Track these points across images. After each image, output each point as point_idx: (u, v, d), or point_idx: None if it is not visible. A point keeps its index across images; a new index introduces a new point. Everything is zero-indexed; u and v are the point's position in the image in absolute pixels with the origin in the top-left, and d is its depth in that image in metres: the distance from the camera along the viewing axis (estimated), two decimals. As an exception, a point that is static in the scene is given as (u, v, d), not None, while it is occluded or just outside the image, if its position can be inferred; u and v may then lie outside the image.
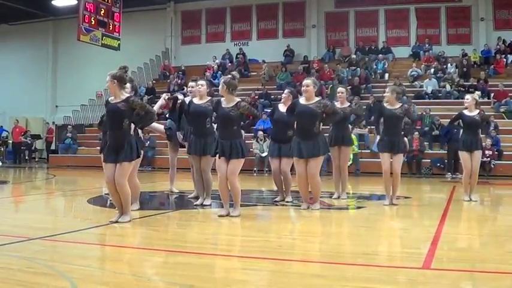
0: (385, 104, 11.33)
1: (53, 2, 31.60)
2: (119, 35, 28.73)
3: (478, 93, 14.03)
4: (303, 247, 7.53)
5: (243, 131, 9.91)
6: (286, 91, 12.05)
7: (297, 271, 5.95)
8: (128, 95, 8.74)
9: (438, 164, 22.27)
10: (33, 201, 13.11)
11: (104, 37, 27.85)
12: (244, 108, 9.40)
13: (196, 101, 10.81)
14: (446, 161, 21.98)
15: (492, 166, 21.04)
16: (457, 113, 12.51)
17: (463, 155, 12.15)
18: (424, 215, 10.86)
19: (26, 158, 31.82)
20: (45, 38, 37.10)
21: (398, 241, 8.03)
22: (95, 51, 29.67)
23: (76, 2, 27.76)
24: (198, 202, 10.95)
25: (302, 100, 10.39)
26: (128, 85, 9.55)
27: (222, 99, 9.48)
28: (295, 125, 10.61)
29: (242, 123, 10.02)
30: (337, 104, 11.85)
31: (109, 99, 8.81)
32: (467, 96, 12.42)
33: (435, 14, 31.05)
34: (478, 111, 12.19)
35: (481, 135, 12.78)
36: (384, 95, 11.59)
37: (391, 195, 11.21)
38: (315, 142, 10.13)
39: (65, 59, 36.10)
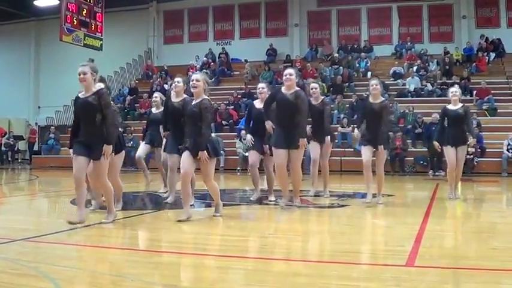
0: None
1: (34, 3, 31.51)
2: (101, 35, 28.63)
3: (456, 86, 13.73)
4: (287, 246, 7.53)
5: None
6: (261, 85, 11.95)
7: (281, 270, 5.96)
8: (99, 87, 8.34)
9: (421, 162, 22.36)
10: (16, 202, 13.05)
11: (86, 37, 27.75)
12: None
13: (173, 98, 10.95)
14: (429, 158, 22.06)
15: (475, 163, 21.15)
16: (440, 111, 12.37)
17: (447, 150, 11.94)
18: (408, 212, 10.87)
19: (9, 159, 31.66)
20: (27, 39, 36.92)
21: (382, 239, 8.05)
22: (78, 51, 29.53)
23: (58, 3, 27.65)
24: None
25: (283, 89, 10.32)
26: (102, 84, 9.49)
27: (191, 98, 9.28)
28: (275, 116, 10.40)
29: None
30: (312, 100, 11.88)
31: (79, 94, 8.38)
32: (455, 90, 12.25)
33: (417, 12, 31.23)
34: (461, 104, 12.05)
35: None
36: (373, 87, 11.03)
37: (375, 193, 11.06)
38: (297, 132, 10.01)
39: (47, 59, 35.93)
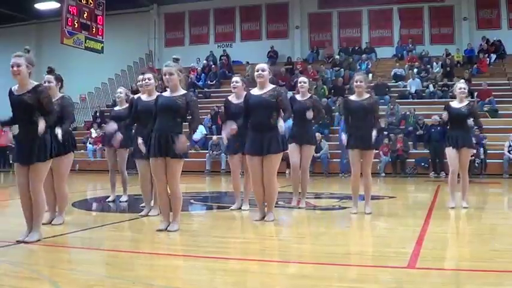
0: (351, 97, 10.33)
1: (35, 5, 31.53)
2: (102, 38, 28.64)
3: (462, 81, 12.20)
4: (288, 248, 7.53)
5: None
6: (235, 78, 10.88)
7: (282, 272, 5.96)
8: (36, 83, 7.43)
9: (422, 164, 22.33)
10: (18, 205, 12.96)
11: (87, 40, 27.75)
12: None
13: (144, 98, 9.78)
14: (430, 160, 22.04)
15: (476, 165, 21.11)
16: (444, 108, 11.20)
17: (449, 152, 10.83)
18: (409, 214, 10.86)
19: (11, 161, 31.55)
20: (28, 42, 36.63)
21: (383, 241, 8.03)
22: (79, 54, 29.56)
23: (59, 5, 27.70)
24: (146, 212, 9.95)
25: (255, 91, 9.34)
26: (51, 77, 9.21)
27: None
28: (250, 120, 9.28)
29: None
30: (298, 96, 11.10)
31: (13, 88, 7.45)
32: (464, 86, 11.05)
33: (418, 14, 31.25)
34: (467, 102, 10.97)
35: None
36: (357, 84, 10.16)
37: (362, 202, 10.34)
38: (273, 135, 8.90)
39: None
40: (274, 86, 9.35)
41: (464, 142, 10.79)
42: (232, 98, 10.77)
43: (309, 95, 11.31)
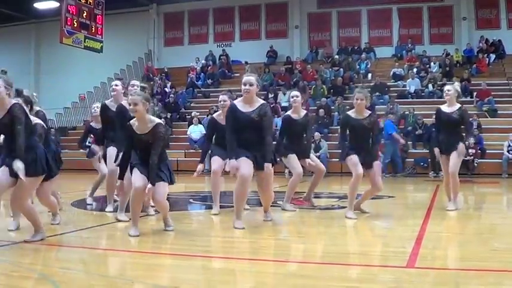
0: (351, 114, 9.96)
1: (35, 5, 31.50)
2: (102, 37, 28.55)
3: (457, 83, 12.29)
4: (288, 248, 7.54)
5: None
6: (223, 97, 10.33)
7: (282, 271, 5.95)
8: (13, 101, 6.95)
9: (422, 164, 22.31)
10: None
11: (87, 39, 27.66)
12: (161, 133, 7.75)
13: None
14: (429, 160, 22.03)
15: (475, 165, 21.11)
16: (435, 112, 10.87)
17: (441, 158, 10.64)
18: (408, 214, 10.84)
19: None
20: (28, 41, 36.89)
21: (382, 240, 8.03)
22: (78, 53, 29.52)
23: (58, 5, 27.65)
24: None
25: (240, 105, 8.64)
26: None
27: (133, 121, 7.94)
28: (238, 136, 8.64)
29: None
30: (291, 115, 10.71)
31: None
32: (449, 87, 10.73)
33: (417, 13, 31.19)
34: (458, 106, 10.54)
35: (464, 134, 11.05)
36: (357, 102, 9.84)
37: (358, 202, 10.14)
38: (263, 148, 8.46)
39: (48, 61, 35.87)
40: (262, 102, 8.71)
41: (454, 147, 10.45)
42: (218, 117, 10.28)
43: (305, 112, 11.01)
